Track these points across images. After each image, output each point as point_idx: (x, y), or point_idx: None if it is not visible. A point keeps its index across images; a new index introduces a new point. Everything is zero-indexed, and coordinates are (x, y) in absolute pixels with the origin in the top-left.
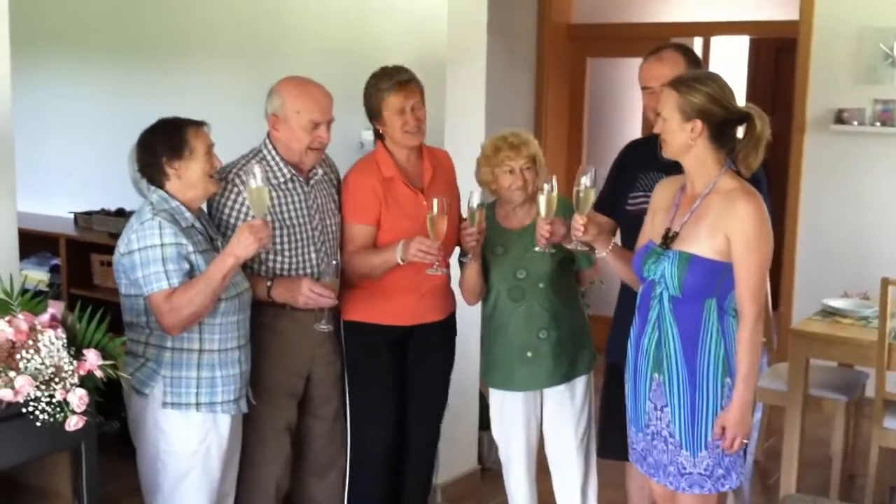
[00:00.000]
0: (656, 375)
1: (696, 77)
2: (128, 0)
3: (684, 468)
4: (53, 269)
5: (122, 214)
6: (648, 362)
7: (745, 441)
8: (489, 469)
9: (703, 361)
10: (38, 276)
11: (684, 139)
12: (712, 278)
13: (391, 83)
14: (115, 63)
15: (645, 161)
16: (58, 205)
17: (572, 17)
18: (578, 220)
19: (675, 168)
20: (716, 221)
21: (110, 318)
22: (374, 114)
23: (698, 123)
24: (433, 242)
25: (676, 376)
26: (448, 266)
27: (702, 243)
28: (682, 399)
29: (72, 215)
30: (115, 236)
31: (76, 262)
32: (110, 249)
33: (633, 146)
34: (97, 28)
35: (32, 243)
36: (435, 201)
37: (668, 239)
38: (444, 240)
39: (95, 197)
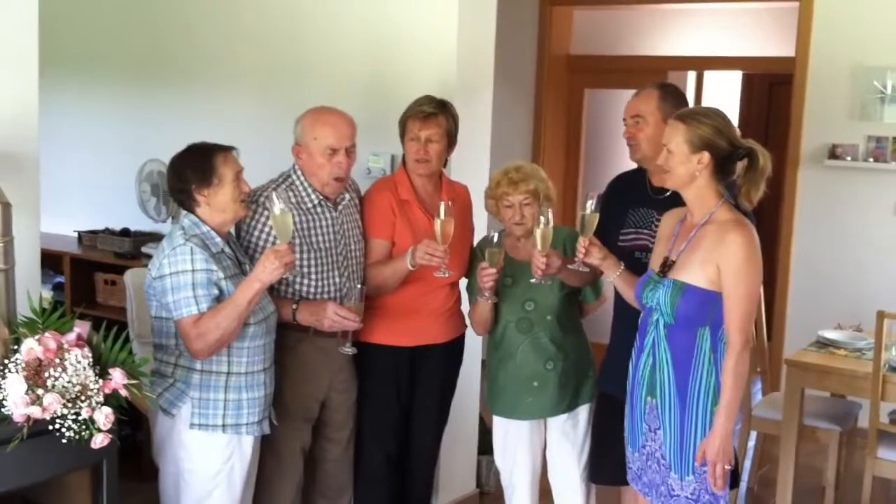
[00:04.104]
0: (650, 399)
1: (702, 111)
2: (137, 23)
3: (673, 490)
4: (57, 287)
5: (127, 234)
6: (643, 386)
7: (729, 467)
8: (487, 493)
9: (693, 388)
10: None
11: (690, 170)
12: (704, 307)
13: (415, 110)
14: (123, 84)
15: (634, 197)
16: (62, 223)
17: (571, 48)
18: (582, 242)
19: (665, 204)
20: (708, 251)
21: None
22: (400, 134)
23: (706, 155)
24: (439, 245)
25: (668, 401)
26: (458, 280)
27: (695, 272)
28: (673, 423)
29: (76, 234)
30: (120, 255)
31: (80, 281)
32: (115, 268)
33: (621, 181)
34: (107, 50)
35: None
36: (442, 205)
37: (666, 267)
38: (451, 248)
39: (100, 216)
